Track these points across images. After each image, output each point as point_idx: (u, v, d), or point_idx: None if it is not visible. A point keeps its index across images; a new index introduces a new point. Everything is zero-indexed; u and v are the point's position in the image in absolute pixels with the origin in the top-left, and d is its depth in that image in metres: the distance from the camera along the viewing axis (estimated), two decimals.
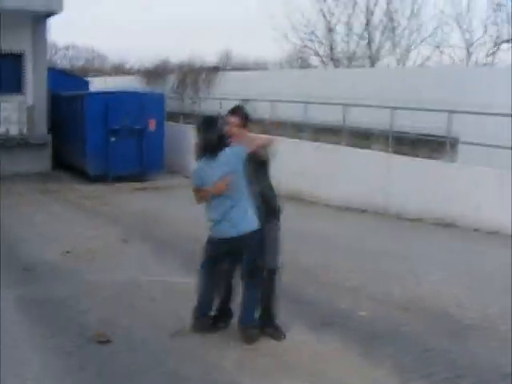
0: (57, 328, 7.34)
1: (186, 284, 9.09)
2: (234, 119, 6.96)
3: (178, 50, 46.02)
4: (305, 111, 20.28)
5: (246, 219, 6.86)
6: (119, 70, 58.70)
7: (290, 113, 21.48)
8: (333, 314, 8.12)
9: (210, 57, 60.73)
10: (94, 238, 12.35)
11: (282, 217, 7.18)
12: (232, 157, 6.81)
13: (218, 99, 24.60)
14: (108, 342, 6.95)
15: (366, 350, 6.96)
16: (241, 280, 7.07)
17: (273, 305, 7.28)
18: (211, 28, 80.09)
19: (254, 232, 6.84)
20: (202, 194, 6.97)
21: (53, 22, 24.90)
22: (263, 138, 7.18)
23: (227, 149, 6.84)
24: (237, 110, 7.08)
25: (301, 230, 12.43)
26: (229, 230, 6.89)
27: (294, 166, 18.29)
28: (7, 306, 8.18)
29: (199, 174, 7.01)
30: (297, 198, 17.64)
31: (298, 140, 19.73)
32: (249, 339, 7.01)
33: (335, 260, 10.94)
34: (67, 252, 11.22)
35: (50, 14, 23.89)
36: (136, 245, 11.89)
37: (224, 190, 6.80)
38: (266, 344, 7.00)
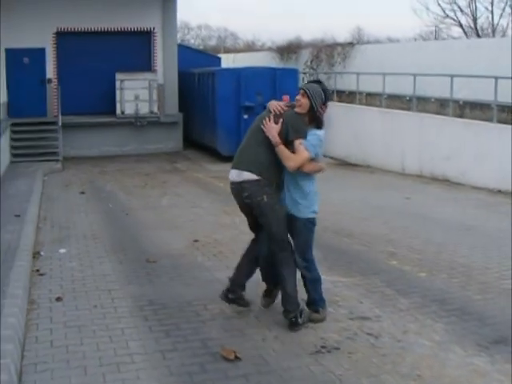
0: (177, 339, 6.19)
1: (329, 282, 7.86)
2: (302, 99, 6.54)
3: (310, 28, 44.96)
4: (450, 86, 18.53)
5: None
6: (251, 47, 58.23)
7: (432, 87, 19.83)
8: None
9: (342, 34, 59.39)
10: (225, 226, 11.21)
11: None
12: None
13: (355, 73, 23.18)
14: (237, 359, 5.74)
15: None
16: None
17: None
18: (342, 5, 78.85)
19: None
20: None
21: (185, 2, 24.13)
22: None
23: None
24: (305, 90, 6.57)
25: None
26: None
27: (442, 146, 16.85)
28: (123, 308, 7.13)
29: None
30: (444, 181, 16.22)
31: (443, 117, 18.07)
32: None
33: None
34: (194, 241, 10.17)
35: None
36: None
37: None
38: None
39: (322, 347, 5.99)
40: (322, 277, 7.46)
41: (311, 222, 6.69)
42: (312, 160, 6.56)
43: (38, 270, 8.52)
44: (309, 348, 5.98)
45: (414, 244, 9.99)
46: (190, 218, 12.01)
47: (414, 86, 19.42)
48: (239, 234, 9.96)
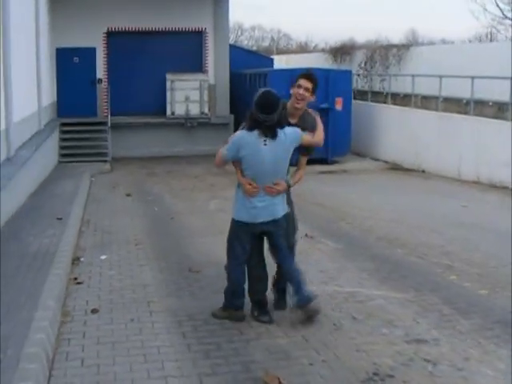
0: (217, 361, 5.70)
1: (381, 298, 7.33)
2: (307, 84, 6.69)
3: (363, 29, 44.34)
4: (509, 89, 17.76)
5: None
6: (304, 49, 57.72)
7: (490, 90, 19.05)
8: None
9: (396, 35, 58.45)
10: None
11: None
12: (288, 140, 6.36)
13: (410, 75, 22.50)
14: None
15: None
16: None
17: None
18: (396, 6, 77.98)
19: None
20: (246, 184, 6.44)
21: (239, 3, 23.79)
22: (321, 136, 6.82)
23: (287, 129, 6.40)
24: (310, 75, 6.82)
25: None
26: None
27: (501, 152, 16.17)
28: (160, 323, 6.68)
29: (239, 143, 6.43)
30: (502, 189, 15.54)
31: (502, 121, 17.34)
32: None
33: None
34: None
35: None
36: (321, 243, 10.12)
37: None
38: None
39: (375, 374, 5.45)
40: (374, 292, 6.97)
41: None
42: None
43: (75, 279, 8.13)
44: (360, 375, 5.44)
45: (473, 257, 9.38)
46: None
47: (471, 88, 18.70)
48: None
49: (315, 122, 6.79)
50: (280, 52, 50.25)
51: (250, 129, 6.31)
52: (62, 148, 20.43)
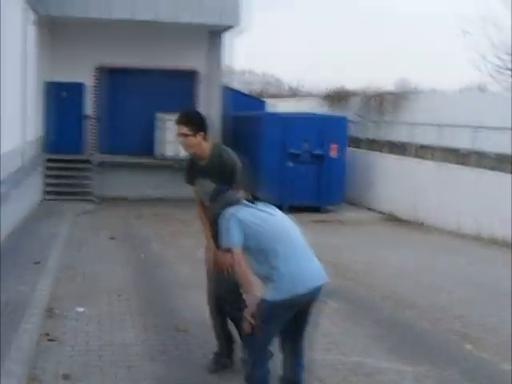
0: None
1: (393, 372, 6.50)
2: (181, 129, 6.06)
3: (353, 78, 43.85)
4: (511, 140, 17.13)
5: None
6: (295, 93, 57.31)
7: (490, 141, 18.37)
8: None
9: (387, 85, 58.37)
10: None
11: None
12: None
13: (407, 124, 21.88)
14: None
15: None
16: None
17: None
18: (385, 59, 78.35)
19: None
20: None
21: (229, 47, 23.21)
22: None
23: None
24: (180, 117, 6.13)
25: None
26: None
27: (502, 206, 15.48)
28: None
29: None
30: (504, 245, 14.76)
31: (503, 174, 16.63)
32: None
33: None
34: None
35: (225, 29, 22.21)
36: (321, 301, 9.22)
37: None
38: None
39: None
40: (384, 363, 6.16)
41: None
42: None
43: (47, 334, 7.25)
44: None
45: (488, 322, 8.57)
46: None
47: (472, 139, 18.07)
48: None
49: (227, 160, 6.29)
50: (271, 96, 49.71)
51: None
52: (46, 185, 19.66)
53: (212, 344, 6.97)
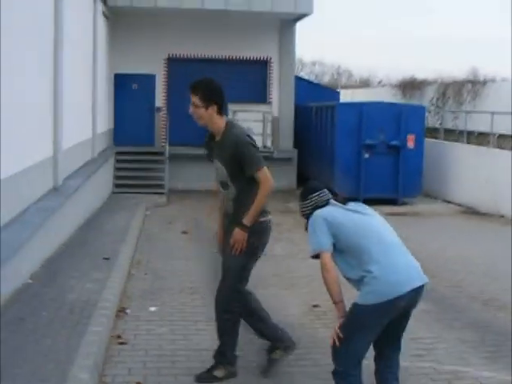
0: None
1: (490, 381, 5.86)
2: (192, 98, 5.67)
3: (423, 68, 42.95)
4: None
5: None
6: (367, 84, 56.46)
7: None
8: None
9: (457, 74, 57.26)
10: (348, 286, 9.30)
11: None
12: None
13: (487, 113, 20.92)
14: None
15: None
16: None
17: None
18: (455, 47, 76.68)
19: None
20: None
21: (300, 38, 22.61)
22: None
23: None
24: (192, 87, 5.71)
25: None
26: None
27: None
28: None
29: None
30: None
31: None
32: None
33: None
34: (314, 306, 8.35)
35: (298, 18, 21.63)
36: None
37: None
38: None
39: None
40: (484, 373, 5.55)
41: None
42: None
43: (119, 337, 6.82)
44: None
45: None
46: (307, 272, 10.10)
47: None
48: None
49: (238, 139, 5.65)
50: (342, 87, 48.94)
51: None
52: (116, 178, 19.43)
53: (298, 349, 6.46)
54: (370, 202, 15.32)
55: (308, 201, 5.08)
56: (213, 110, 5.64)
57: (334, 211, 4.92)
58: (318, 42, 70.07)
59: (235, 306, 5.88)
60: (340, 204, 5.01)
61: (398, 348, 5.03)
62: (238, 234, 5.69)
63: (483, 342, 7.09)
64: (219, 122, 5.71)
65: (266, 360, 6.05)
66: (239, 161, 5.60)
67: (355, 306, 4.73)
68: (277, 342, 6.04)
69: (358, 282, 4.74)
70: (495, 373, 6.13)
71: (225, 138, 5.70)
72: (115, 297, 7.95)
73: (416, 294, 4.74)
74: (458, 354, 6.67)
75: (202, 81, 5.76)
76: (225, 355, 5.90)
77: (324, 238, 4.79)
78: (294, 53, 23.16)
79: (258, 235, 5.76)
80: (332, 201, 5.04)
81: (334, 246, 4.81)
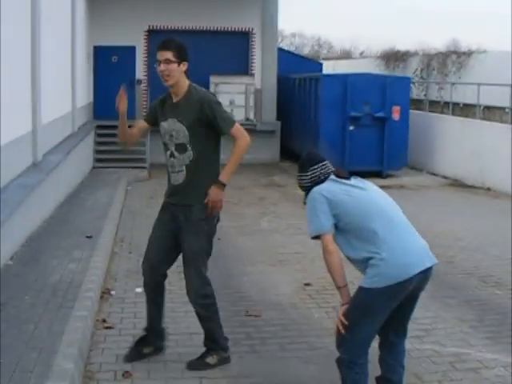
0: None
1: (494, 363, 5.63)
2: (165, 54, 5.33)
3: (403, 39, 42.68)
4: None
5: None
6: (349, 55, 56.04)
7: None
8: None
9: (437, 45, 57.09)
10: None
11: None
12: None
13: (473, 84, 20.62)
14: None
15: None
16: None
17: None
18: (436, 19, 76.54)
19: None
20: None
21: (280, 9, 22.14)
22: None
23: None
24: (165, 42, 5.40)
25: None
26: None
27: None
28: None
29: None
30: None
31: None
32: None
33: None
34: (305, 284, 8.07)
35: None
36: None
37: None
38: None
39: None
40: (488, 355, 5.33)
41: None
42: None
43: (104, 321, 6.52)
44: None
45: None
46: (295, 248, 9.85)
47: None
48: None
49: (206, 98, 5.44)
50: (324, 58, 48.50)
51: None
52: (97, 152, 19.04)
53: (291, 331, 6.20)
54: (354, 174, 15.23)
55: (309, 173, 4.72)
56: (184, 66, 5.40)
57: (335, 187, 4.60)
58: (298, 14, 69.57)
59: (211, 290, 5.59)
60: (341, 179, 4.69)
61: (404, 334, 4.77)
62: (215, 194, 5.43)
63: (483, 322, 6.85)
64: (184, 83, 5.46)
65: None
66: (207, 121, 5.36)
67: (361, 289, 4.44)
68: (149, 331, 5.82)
69: (362, 264, 4.45)
70: (497, 354, 5.89)
71: (189, 98, 5.43)
72: (99, 277, 7.64)
73: (425, 275, 4.49)
74: (458, 335, 6.42)
75: (173, 39, 5.48)
76: (216, 341, 5.63)
77: (325, 218, 4.47)
78: (276, 24, 22.74)
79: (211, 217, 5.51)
80: (332, 176, 4.72)
81: (336, 225, 4.51)
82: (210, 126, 5.37)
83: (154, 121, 5.68)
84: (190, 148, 5.42)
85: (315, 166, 4.71)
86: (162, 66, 5.33)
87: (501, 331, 6.57)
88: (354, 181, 4.70)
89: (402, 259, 4.35)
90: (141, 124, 5.84)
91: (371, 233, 4.38)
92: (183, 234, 5.45)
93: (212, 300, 5.61)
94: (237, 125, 5.43)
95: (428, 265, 4.48)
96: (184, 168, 5.45)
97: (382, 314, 4.44)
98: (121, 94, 5.48)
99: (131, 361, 5.55)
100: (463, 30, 68.58)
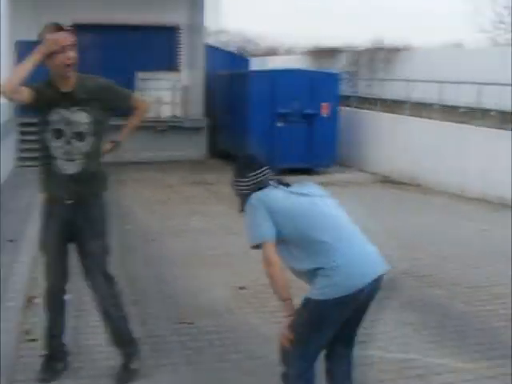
0: None
1: (441, 368, 5.43)
2: (72, 38, 4.83)
3: (327, 35, 42.92)
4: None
5: None
6: (275, 52, 56.02)
7: (491, 98, 17.33)
8: None
9: (362, 43, 57.71)
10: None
11: None
12: None
13: (401, 80, 20.67)
14: None
15: None
16: None
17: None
18: (359, 16, 77.41)
19: None
20: None
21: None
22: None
23: None
24: (62, 27, 4.85)
25: None
26: None
27: None
28: None
29: None
30: None
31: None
32: None
33: None
34: (240, 288, 7.76)
35: None
36: None
37: None
38: None
39: None
40: (435, 360, 5.13)
41: None
42: None
43: (27, 333, 6.09)
44: None
45: None
46: (227, 250, 9.52)
47: (477, 96, 16.96)
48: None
49: (100, 80, 5.14)
50: (251, 55, 48.41)
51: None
52: (20, 151, 18.40)
53: (228, 339, 5.89)
54: (284, 171, 15.02)
55: (248, 179, 4.36)
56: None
57: (276, 194, 4.28)
58: (222, 11, 69.30)
59: (118, 289, 5.39)
60: (283, 186, 4.37)
61: (352, 345, 4.50)
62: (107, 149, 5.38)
63: (425, 324, 6.66)
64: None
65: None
66: (106, 102, 5.08)
67: (309, 301, 4.13)
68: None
69: (308, 275, 4.14)
70: (444, 359, 5.70)
71: (83, 84, 4.98)
72: (23, 285, 7.19)
73: (377, 283, 4.22)
74: (401, 339, 6.22)
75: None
76: (132, 341, 5.30)
77: (266, 226, 4.14)
78: (203, 19, 22.39)
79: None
80: (273, 182, 4.39)
81: (278, 235, 4.18)
82: (108, 110, 5.13)
83: (35, 100, 4.90)
84: (89, 137, 5.11)
85: (256, 172, 4.37)
86: (72, 53, 4.84)
87: (443, 334, 6.39)
88: (299, 188, 4.39)
89: (354, 268, 4.07)
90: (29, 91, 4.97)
91: (318, 242, 4.08)
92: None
93: (120, 299, 5.39)
94: (135, 93, 5.29)
95: (380, 272, 4.21)
96: (81, 157, 5.10)
97: (332, 326, 4.16)
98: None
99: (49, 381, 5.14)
100: (387, 27, 69.31)
